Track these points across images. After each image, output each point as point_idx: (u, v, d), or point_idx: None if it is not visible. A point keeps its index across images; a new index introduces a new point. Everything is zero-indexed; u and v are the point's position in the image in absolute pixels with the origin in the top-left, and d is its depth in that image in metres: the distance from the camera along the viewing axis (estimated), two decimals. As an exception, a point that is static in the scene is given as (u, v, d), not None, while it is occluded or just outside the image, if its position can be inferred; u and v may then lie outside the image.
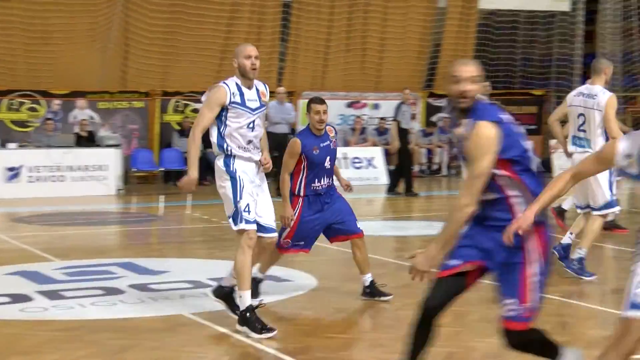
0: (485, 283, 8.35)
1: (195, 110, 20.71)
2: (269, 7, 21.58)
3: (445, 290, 4.53)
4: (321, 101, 7.52)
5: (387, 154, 20.36)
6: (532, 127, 22.65)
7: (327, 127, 7.57)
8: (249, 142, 6.46)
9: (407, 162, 17.08)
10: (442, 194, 18.10)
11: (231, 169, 6.39)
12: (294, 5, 21.78)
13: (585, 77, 24.06)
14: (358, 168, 19.33)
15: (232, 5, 21.18)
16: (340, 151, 19.64)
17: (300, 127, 20.98)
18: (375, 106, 21.75)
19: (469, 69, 4.39)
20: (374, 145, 20.50)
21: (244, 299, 6.38)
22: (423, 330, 4.53)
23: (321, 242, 11.20)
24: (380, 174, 19.35)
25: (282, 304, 7.57)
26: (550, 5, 23.67)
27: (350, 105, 21.54)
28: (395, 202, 16.61)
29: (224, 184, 6.43)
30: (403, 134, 16.55)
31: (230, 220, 6.40)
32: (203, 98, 6.56)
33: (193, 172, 6.26)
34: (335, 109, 21.39)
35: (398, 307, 7.41)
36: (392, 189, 16.89)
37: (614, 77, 23.83)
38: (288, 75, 21.92)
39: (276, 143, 16.92)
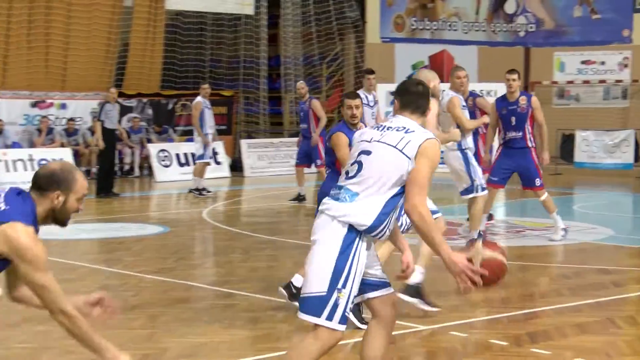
0: (173, 282, 8.40)
1: None
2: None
3: None
4: (355, 95, 7.53)
5: (77, 155, 19.75)
6: (223, 127, 23.04)
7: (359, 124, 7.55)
8: None
9: (111, 163, 16.80)
10: (134, 195, 17.91)
11: None
12: (-34, -3, 20.45)
13: (270, 79, 25.04)
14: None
15: None
16: (26, 152, 18.88)
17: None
18: (63, 106, 21.01)
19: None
20: (62, 146, 19.81)
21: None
22: None
23: None
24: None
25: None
26: (235, 8, 24.23)
27: (35, 105, 20.61)
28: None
29: None
30: (108, 134, 16.15)
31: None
32: None
33: None
34: (19, 109, 20.38)
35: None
36: (103, 190, 16.26)
37: (297, 79, 25.03)
38: (-37, 73, 20.55)
39: None
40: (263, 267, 9.44)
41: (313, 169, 15.51)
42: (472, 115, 10.83)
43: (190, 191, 16.39)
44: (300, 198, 14.95)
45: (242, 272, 9.38)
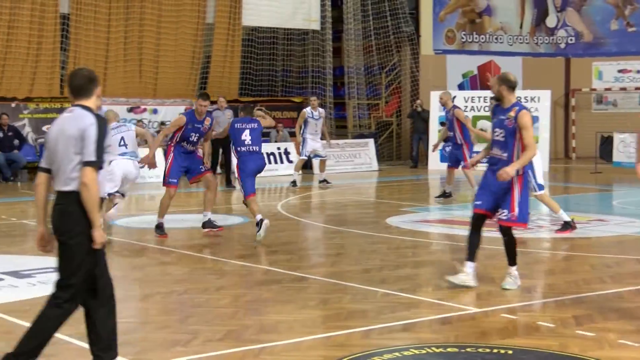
0: (253, 267, 8.43)
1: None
2: (47, 18, 20.49)
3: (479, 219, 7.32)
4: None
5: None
6: (293, 129, 23.08)
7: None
8: None
9: (214, 162, 17.27)
10: (218, 190, 18.02)
11: None
12: (72, 17, 20.85)
13: (335, 87, 25.03)
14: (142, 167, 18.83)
15: (10, 15, 19.93)
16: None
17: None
18: (154, 111, 21.35)
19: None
20: (155, 147, 20.08)
21: None
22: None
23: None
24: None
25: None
26: (303, 24, 24.28)
27: (131, 110, 20.98)
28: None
29: None
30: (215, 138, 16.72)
31: None
32: None
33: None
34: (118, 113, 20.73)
35: (181, 292, 7.32)
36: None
37: (359, 87, 24.94)
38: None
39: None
40: (332, 254, 9.44)
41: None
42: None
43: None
44: (446, 195, 14.40)
45: (313, 258, 9.41)
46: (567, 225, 10.38)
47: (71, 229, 4.62)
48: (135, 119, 20.81)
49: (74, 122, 4.66)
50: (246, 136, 10.37)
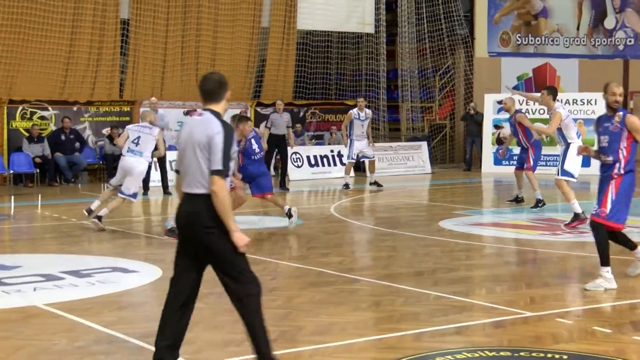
0: (306, 269, 8.43)
1: (43, 117, 19.75)
2: (108, 24, 20.86)
3: None
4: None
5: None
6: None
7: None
8: None
9: (284, 162, 17.58)
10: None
11: None
12: (132, 22, 21.19)
13: (389, 90, 24.98)
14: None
15: (73, 21, 20.33)
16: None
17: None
18: (210, 114, 21.58)
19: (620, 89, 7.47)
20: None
21: None
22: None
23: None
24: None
25: (129, 293, 7.36)
26: (357, 27, 24.27)
27: (187, 113, 21.22)
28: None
29: None
30: (274, 139, 16.97)
31: None
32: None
33: None
34: (174, 116, 21.01)
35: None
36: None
37: (413, 90, 24.82)
38: (128, 86, 21.32)
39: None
40: (384, 256, 9.40)
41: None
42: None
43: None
44: (518, 200, 14.09)
45: (366, 260, 9.38)
46: (577, 217, 10.70)
47: (204, 229, 4.64)
48: (191, 122, 21.02)
49: (203, 128, 4.73)
50: (255, 145, 11.01)
